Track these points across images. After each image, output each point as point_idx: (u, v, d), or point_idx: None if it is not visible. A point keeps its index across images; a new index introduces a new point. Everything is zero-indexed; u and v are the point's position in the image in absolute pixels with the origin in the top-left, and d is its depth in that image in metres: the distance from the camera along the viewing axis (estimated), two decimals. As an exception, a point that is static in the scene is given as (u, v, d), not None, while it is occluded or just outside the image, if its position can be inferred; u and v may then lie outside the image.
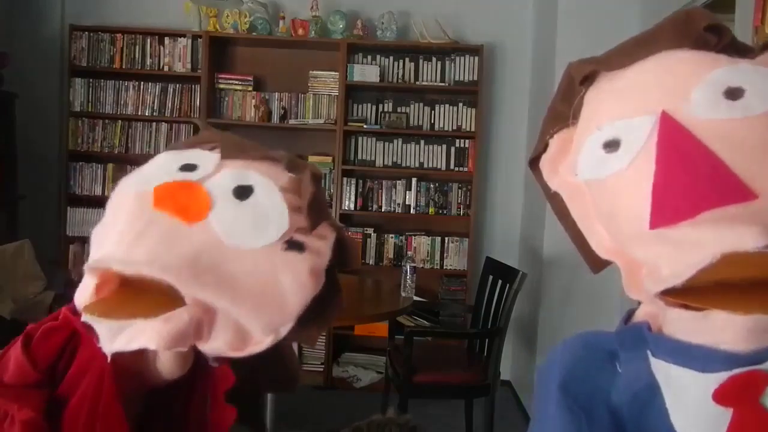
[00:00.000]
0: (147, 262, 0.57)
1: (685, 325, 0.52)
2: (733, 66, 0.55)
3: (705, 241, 0.47)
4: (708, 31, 0.57)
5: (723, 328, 0.49)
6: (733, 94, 0.52)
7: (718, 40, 0.57)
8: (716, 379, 0.49)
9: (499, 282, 2.85)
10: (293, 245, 0.63)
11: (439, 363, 2.87)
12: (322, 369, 3.69)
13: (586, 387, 0.58)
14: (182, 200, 0.62)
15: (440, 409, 3.24)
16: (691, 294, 0.49)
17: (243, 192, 0.64)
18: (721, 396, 0.49)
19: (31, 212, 3.79)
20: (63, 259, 3.74)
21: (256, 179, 0.65)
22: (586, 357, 0.60)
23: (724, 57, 0.56)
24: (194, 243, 0.60)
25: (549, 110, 0.68)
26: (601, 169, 0.56)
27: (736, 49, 0.57)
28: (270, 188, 0.65)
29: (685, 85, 0.54)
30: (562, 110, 0.65)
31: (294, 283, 0.62)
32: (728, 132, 0.50)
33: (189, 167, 0.66)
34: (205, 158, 0.68)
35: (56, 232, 3.82)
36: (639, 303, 0.61)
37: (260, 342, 0.63)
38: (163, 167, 0.67)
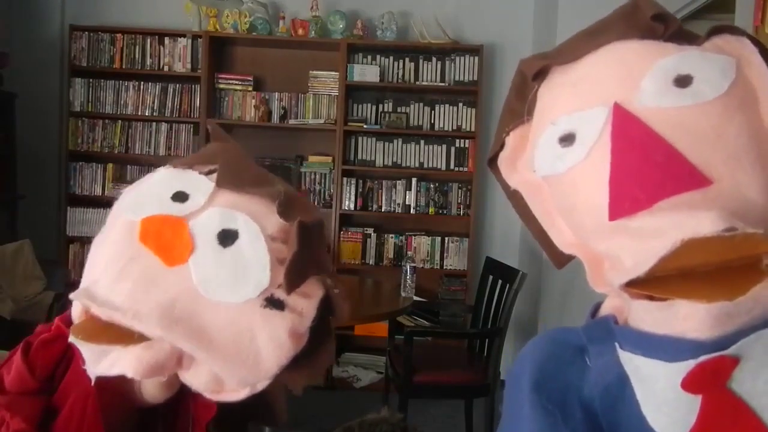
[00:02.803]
0: (122, 311, 0.57)
1: (650, 315, 0.53)
2: (680, 54, 0.55)
3: (664, 228, 0.48)
4: (655, 20, 0.57)
5: (687, 317, 0.49)
6: (682, 81, 0.53)
7: (665, 28, 0.57)
8: (683, 367, 0.50)
9: (499, 282, 2.85)
10: (273, 303, 0.60)
11: (439, 363, 2.87)
12: (322, 369, 3.69)
13: (559, 384, 0.58)
14: (166, 239, 0.60)
15: (440, 409, 3.24)
16: (655, 284, 0.49)
17: (227, 237, 0.61)
18: (689, 384, 0.50)
19: (31, 212, 3.79)
20: (63, 259, 3.74)
21: (243, 224, 0.62)
22: (555, 354, 0.61)
23: (672, 45, 0.57)
24: (171, 289, 0.58)
25: (504, 108, 0.68)
26: (559, 164, 0.57)
27: (683, 37, 0.58)
28: (256, 236, 0.62)
29: (634, 75, 0.54)
30: (517, 107, 0.65)
31: (270, 343, 0.60)
32: (680, 120, 0.51)
33: (180, 196, 0.64)
34: (199, 186, 0.65)
35: (56, 232, 3.82)
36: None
37: (235, 392, 0.62)
38: (156, 192, 0.66)
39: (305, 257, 0.61)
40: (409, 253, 3.77)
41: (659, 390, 0.52)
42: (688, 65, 0.54)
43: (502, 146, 0.67)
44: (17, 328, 2.72)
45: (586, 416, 0.57)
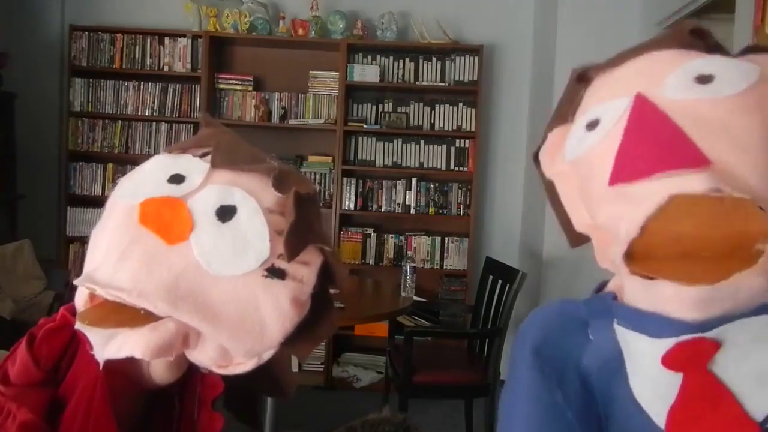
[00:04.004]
0: (127, 290, 0.58)
1: (639, 293, 0.55)
2: (707, 57, 0.59)
3: (656, 190, 0.50)
4: (692, 34, 0.61)
5: (671, 298, 0.51)
6: (704, 79, 0.55)
7: (701, 41, 0.61)
8: (665, 344, 0.52)
9: (499, 282, 2.85)
10: (274, 272, 0.62)
11: (439, 363, 2.87)
12: (322, 369, 3.69)
13: (559, 352, 0.62)
14: (165, 219, 0.61)
15: (440, 409, 3.24)
16: (651, 264, 0.51)
17: (225, 213, 0.62)
18: (668, 361, 0.52)
19: (31, 212, 3.79)
20: (63, 259, 3.74)
21: (241, 199, 0.63)
22: (559, 323, 0.64)
23: (703, 52, 0.60)
24: (174, 267, 0.59)
25: (555, 110, 0.72)
26: (582, 145, 0.60)
27: (719, 51, 0.61)
28: (253, 210, 0.63)
29: (661, 73, 0.58)
30: (564, 109, 0.70)
31: (274, 311, 0.61)
32: (693, 109, 0.54)
33: (177, 178, 0.65)
34: (195, 168, 0.66)
35: (56, 232, 3.82)
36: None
37: (242, 364, 0.63)
38: (153, 176, 0.67)
39: (303, 225, 0.62)
40: (409, 253, 3.77)
41: (645, 365, 0.55)
42: (711, 67, 0.57)
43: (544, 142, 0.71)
44: (17, 328, 2.72)
45: (582, 386, 0.60)
